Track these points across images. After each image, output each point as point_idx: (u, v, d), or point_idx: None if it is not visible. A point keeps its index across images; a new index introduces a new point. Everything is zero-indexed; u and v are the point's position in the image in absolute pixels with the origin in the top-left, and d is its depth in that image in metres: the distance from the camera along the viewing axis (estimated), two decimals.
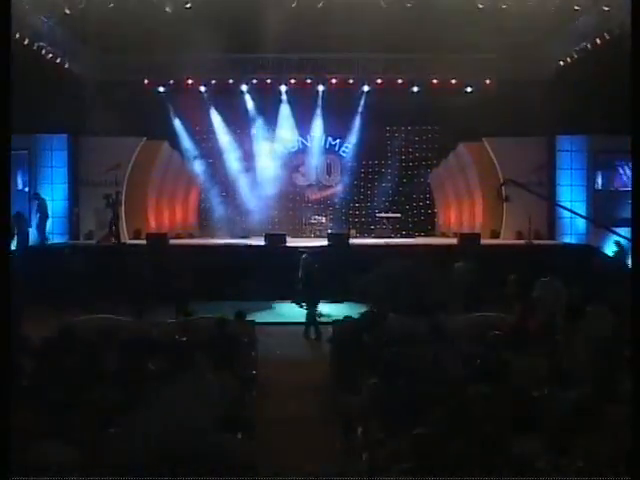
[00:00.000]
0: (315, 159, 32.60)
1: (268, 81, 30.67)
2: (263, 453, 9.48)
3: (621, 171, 28.17)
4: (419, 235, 31.38)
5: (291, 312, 21.95)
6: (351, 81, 30.73)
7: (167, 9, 23.30)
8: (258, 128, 31.80)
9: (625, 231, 26.24)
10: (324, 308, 21.26)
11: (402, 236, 30.84)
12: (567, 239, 27.69)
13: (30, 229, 26.29)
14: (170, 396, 7.03)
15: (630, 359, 5.68)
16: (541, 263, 23.30)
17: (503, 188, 23.61)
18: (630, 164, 26.79)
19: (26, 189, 28.20)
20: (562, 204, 27.84)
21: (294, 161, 32.63)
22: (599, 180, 28.37)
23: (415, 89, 30.35)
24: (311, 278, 20.81)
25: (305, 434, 11.61)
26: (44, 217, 26.82)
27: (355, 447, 9.18)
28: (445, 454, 7.22)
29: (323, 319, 20.14)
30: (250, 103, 31.31)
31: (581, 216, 27.03)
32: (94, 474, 6.81)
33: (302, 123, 31.97)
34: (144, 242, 26.10)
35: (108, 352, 11.12)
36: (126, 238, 27.13)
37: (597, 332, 11.86)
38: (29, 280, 21.31)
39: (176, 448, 6.86)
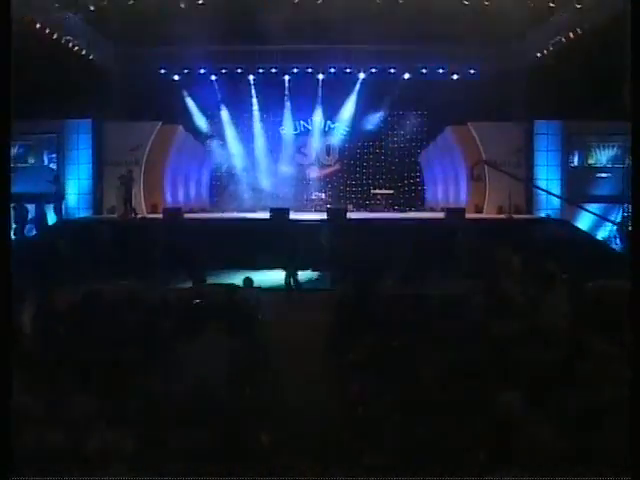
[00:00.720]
0: (316, 141, 32.87)
1: (273, 70, 30.79)
2: (269, 406, 9.51)
3: (593, 150, 28.15)
4: (410, 210, 31.44)
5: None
6: (348, 70, 30.91)
7: (182, 5, 23.30)
8: (264, 113, 31.98)
9: (595, 207, 26.46)
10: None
11: (394, 210, 30.92)
12: (543, 214, 27.65)
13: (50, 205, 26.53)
14: (186, 355, 7.05)
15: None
16: (520, 235, 23.45)
17: (476, 168, 23.52)
18: (601, 145, 27.11)
19: (51, 165, 28.32)
20: (538, 182, 27.95)
21: (296, 143, 32.92)
22: (575, 158, 28.31)
23: (406, 77, 30.50)
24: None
25: (307, 388, 11.64)
26: (60, 196, 26.91)
27: (352, 400, 9.20)
28: (432, 408, 7.24)
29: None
30: (256, 90, 31.49)
31: (553, 194, 27.07)
32: (116, 425, 6.83)
33: (304, 108, 32.26)
34: (160, 216, 26.05)
35: (130, 316, 11.13)
36: (144, 213, 27.08)
37: (571, 298, 11.86)
38: (57, 252, 21.37)
39: (191, 402, 6.89)
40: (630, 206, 24.13)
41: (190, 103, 31.32)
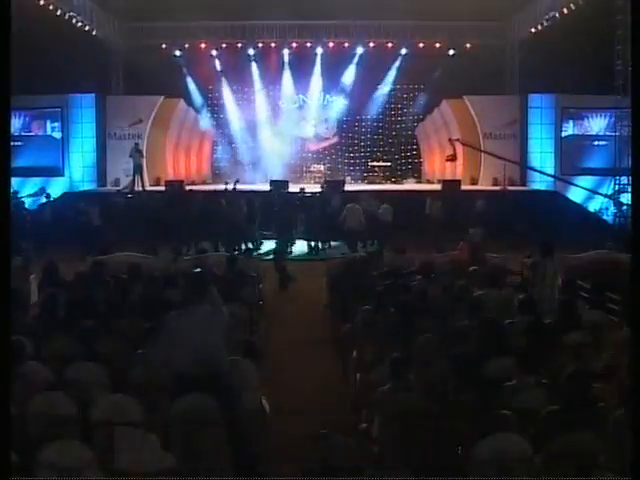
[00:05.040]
0: (314, 114, 32.71)
1: (272, 45, 30.65)
2: (269, 373, 9.57)
3: (586, 118, 28.04)
4: (407, 181, 31.44)
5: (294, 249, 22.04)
6: (346, 45, 30.74)
7: None
8: (264, 87, 31.87)
9: (587, 179, 26.46)
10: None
11: (392, 182, 30.95)
12: (536, 186, 27.65)
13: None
14: (187, 324, 7.08)
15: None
16: (514, 206, 23.54)
17: (449, 147, 23.42)
18: (593, 115, 27.06)
19: (54, 134, 28.37)
20: (532, 155, 28.02)
21: (295, 116, 32.75)
22: (569, 126, 28.19)
23: (403, 52, 30.42)
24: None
25: (305, 355, 11.71)
26: None
27: (349, 367, 9.25)
28: (427, 375, 7.28)
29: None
30: (256, 65, 31.35)
31: (543, 172, 27.06)
32: (120, 391, 6.88)
33: (303, 82, 32.12)
34: (163, 188, 26.03)
35: (133, 285, 11.18)
36: (147, 185, 27.04)
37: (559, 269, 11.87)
38: (64, 223, 21.43)
39: (192, 369, 6.93)
40: (621, 179, 24.36)
41: (191, 77, 31.17)
